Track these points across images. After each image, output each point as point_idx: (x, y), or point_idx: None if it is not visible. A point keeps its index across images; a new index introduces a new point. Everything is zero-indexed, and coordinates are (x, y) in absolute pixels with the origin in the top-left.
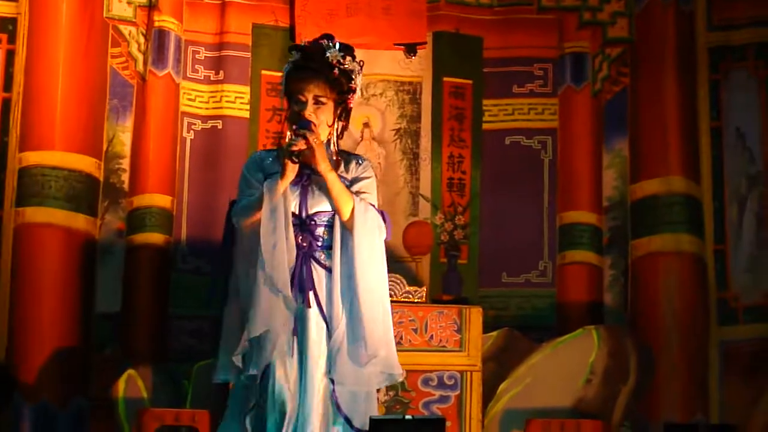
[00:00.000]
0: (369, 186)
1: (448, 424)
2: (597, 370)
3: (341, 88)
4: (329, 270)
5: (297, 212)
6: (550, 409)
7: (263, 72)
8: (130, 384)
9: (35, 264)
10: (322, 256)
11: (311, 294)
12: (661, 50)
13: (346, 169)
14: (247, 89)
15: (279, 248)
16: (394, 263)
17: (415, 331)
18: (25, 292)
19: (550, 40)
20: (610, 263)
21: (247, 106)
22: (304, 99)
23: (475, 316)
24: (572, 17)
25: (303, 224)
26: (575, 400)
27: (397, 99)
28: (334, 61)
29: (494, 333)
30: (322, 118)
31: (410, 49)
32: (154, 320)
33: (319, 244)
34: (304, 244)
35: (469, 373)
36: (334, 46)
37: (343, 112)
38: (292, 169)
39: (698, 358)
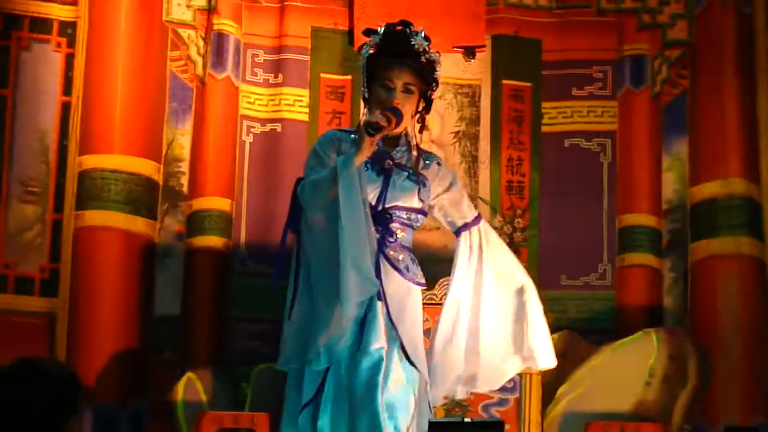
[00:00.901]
0: (463, 192)
1: (507, 427)
2: (656, 373)
3: (427, 78)
4: (399, 270)
5: (374, 203)
6: (610, 412)
7: (322, 75)
8: (189, 387)
9: (95, 267)
10: (392, 254)
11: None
12: (720, 52)
13: (427, 168)
14: (306, 92)
15: (363, 230)
16: None
17: None
18: (85, 294)
19: (609, 43)
20: (670, 266)
21: (306, 110)
22: (392, 86)
23: None
24: (631, 19)
25: (377, 216)
26: (635, 403)
27: (456, 102)
28: (420, 49)
29: (554, 336)
30: (407, 108)
31: (469, 52)
32: (213, 323)
33: (391, 240)
34: (376, 237)
35: (528, 376)
36: (419, 34)
37: (427, 104)
38: (369, 144)
39: (758, 361)
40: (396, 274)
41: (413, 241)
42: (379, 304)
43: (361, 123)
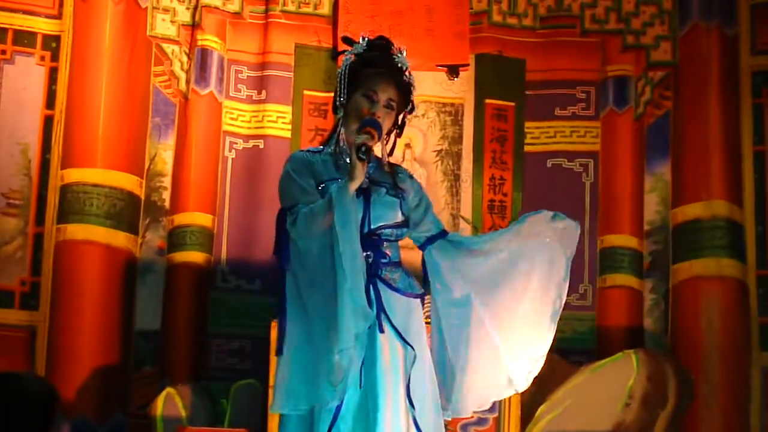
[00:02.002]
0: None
1: None
2: (636, 395)
3: (407, 98)
4: (398, 290)
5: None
6: None
7: (305, 92)
8: (169, 402)
9: (76, 281)
10: (388, 275)
11: (383, 317)
12: (704, 74)
13: (402, 181)
14: (289, 109)
15: (357, 260)
16: None
17: None
18: (66, 308)
19: (593, 63)
20: (651, 287)
21: (289, 126)
22: (376, 98)
23: None
24: (615, 40)
25: (365, 239)
26: (614, 425)
27: (439, 120)
28: (404, 68)
29: None
30: (386, 124)
31: (453, 71)
32: (194, 339)
33: (384, 261)
34: (369, 261)
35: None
36: (402, 52)
37: (401, 126)
38: (361, 169)
39: (739, 384)
40: (396, 294)
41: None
42: (382, 337)
43: (345, 147)
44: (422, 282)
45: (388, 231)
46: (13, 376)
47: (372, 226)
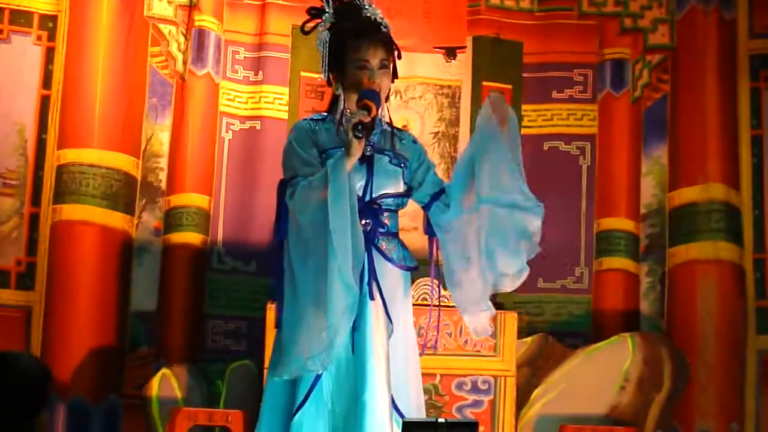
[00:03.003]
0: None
1: (482, 429)
2: (631, 378)
3: (393, 47)
4: (392, 260)
5: (361, 194)
6: (584, 415)
7: (302, 73)
8: (164, 383)
9: (71, 261)
10: (384, 245)
11: (374, 285)
12: (702, 57)
13: (404, 146)
14: (286, 90)
15: (348, 237)
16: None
17: (450, 335)
18: (61, 288)
19: (591, 46)
20: (647, 271)
21: (286, 108)
22: (370, 65)
23: (510, 321)
24: (613, 23)
25: (366, 207)
26: (609, 407)
27: (436, 102)
28: (378, 19)
29: (529, 339)
30: (385, 84)
31: (450, 53)
32: (190, 320)
33: (382, 230)
34: (367, 229)
35: (503, 378)
36: (370, 5)
37: (394, 74)
38: (358, 146)
39: (735, 367)
40: (389, 264)
41: None
42: (372, 304)
43: (348, 121)
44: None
45: (389, 200)
46: (7, 355)
47: (373, 195)
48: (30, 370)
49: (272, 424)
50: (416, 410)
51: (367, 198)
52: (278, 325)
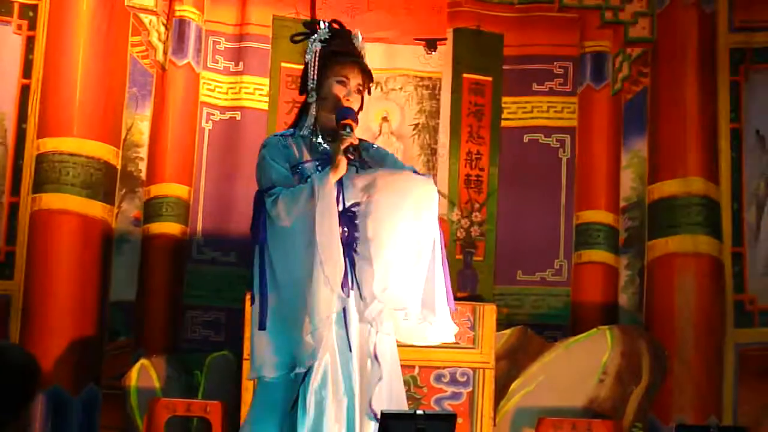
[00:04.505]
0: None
1: (460, 421)
2: (610, 370)
3: (371, 79)
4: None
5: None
6: (562, 408)
7: (283, 64)
8: (143, 373)
9: (51, 250)
10: (360, 248)
11: (355, 286)
12: (682, 51)
13: (369, 155)
14: (266, 81)
15: (335, 247)
16: None
17: None
18: (41, 277)
19: (571, 39)
20: (626, 264)
21: (266, 98)
22: (350, 84)
23: (489, 313)
24: (593, 16)
25: (341, 215)
26: (587, 400)
27: (417, 94)
28: (363, 52)
29: (508, 331)
30: (356, 107)
31: (430, 45)
32: (169, 310)
33: (357, 235)
34: (344, 236)
35: (481, 371)
36: (358, 37)
37: (361, 107)
38: (345, 164)
39: (713, 361)
40: (366, 265)
41: None
42: (353, 305)
43: (320, 130)
44: None
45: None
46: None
47: (346, 204)
48: (20, 361)
49: (266, 421)
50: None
51: (341, 207)
52: (263, 327)
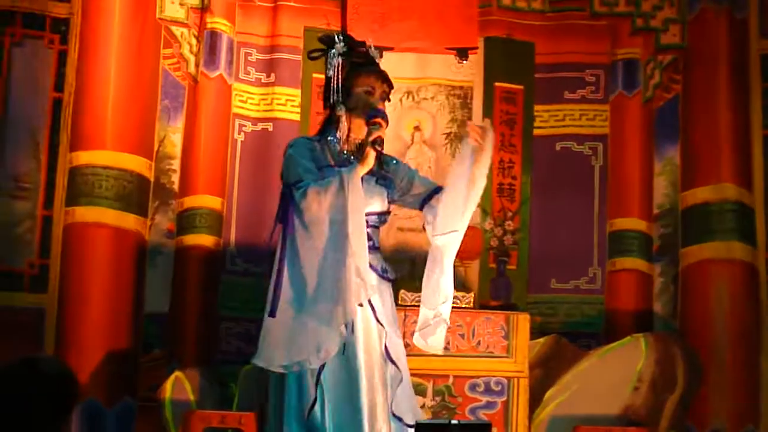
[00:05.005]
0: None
1: (495, 430)
2: (644, 378)
3: (391, 89)
4: (377, 271)
5: None
6: (597, 416)
7: (314, 75)
8: (177, 385)
9: (84, 263)
10: (371, 258)
11: None
12: (713, 57)
13: (389, 167)
14: (298, 92)
15: (364, 239)
16: None
17: (462, 336)
18: (74, 291)
19: (602, 46)
20: (660, 271)
21: (298, 109)
22: (375, 93)
23: (523, 322)
24: (625, 23)
25: None
26: (622, 408)
27: (448, 103)
28: (378, 61)
29: (542, 339)
30: None
31: (462, 54)
32: (203, 322)
33: (369, 244)
34: None
35: (516, 380)
36: (370, 47)
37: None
38: (373, 157)
39: (748, 367)
40: (374, 275)
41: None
42: (361, 310)
43: (366, 136)
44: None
45: (374, 218)
46: (38, 359)
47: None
48: (56, 373)
49: (291, 421)
50: (411, 410)
51: None
52: (272, 314)
